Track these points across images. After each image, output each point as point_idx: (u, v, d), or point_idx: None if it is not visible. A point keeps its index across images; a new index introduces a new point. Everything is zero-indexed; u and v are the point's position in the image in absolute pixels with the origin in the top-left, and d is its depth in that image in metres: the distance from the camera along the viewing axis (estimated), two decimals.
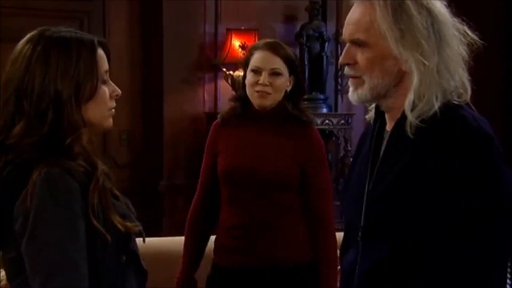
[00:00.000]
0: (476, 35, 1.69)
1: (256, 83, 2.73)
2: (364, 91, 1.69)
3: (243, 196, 2.74)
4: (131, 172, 5.58)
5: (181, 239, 3.66)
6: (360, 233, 1.70)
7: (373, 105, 1.80)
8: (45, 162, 1.61)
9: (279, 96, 2.76)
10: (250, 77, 2.75)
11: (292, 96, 2.79)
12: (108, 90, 1.75)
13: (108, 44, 5.55)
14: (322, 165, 2.80)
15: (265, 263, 2.72)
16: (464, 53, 1.68)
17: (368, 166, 1.73)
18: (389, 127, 1.73)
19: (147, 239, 3.93)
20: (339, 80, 5.83)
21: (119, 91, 1.78)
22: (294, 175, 2.73)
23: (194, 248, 2.88)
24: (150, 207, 5.47)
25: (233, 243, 2.76)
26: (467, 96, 1.68)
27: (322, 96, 5.55)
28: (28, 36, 1.71)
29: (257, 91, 2.73)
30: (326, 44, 5.61)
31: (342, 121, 5.54)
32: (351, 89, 1.72)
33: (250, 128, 2.78)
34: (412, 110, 1.63)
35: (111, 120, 1.77)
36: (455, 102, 1.65)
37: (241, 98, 2.83)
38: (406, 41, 1.63)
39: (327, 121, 5.38)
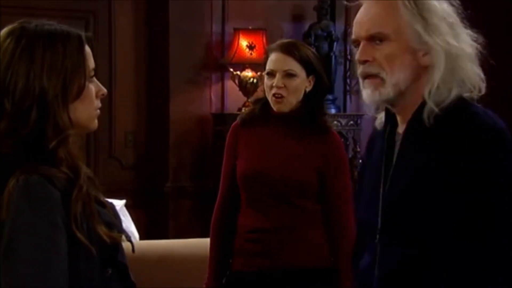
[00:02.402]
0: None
1: (271, 86, 2.74)
2: (386, 89, 1.68)
3: (261, 199, 2.74)
4: (136, 174, 5.60)
5: (187, 241, 3.68)
6: (377, 236, 1.71)
7: (382, 112, 1.80)
8: (22, 168, 1.49)
9: (296, 98, 2.75)
10: (266, 80, 2.77)
11: (312, 97, 2.79)
12: (94, 89, 1.65)
13: (114, 44, 5.49)
14: (342, 171, 2.79)
15: (283, 267, 2.71)
16: (474, 50, 1.70)
17: (381, 169, 1.73)
18: (401, 129, 1.74)
19: (151, 241, 3.94)
20: (348, 80, 5.83)
21: (105, 90, 1.68)
22: (312, 180, 2.73)
23: (221, 255, 2.85)
24: (155, 209, 5.49)
25: (251, 247, 2.75)
26: (479, 91, 1.69)
27: (330, 97, 5.55)
28: (7, 29, 1.59)
29: (273, 94, 2.74)
30: (335, 44, 5.61)
31: (351, 122, 5.55)
32: (369, 90, 1.70)
33: (269, 131, 2.79)
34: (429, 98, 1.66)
35: (96, 121, 1.67)
36: (467, 97, 1.67)
37: (261, 100, 2.84)
38: (431, 28, 1.66)
39: (335, 122, 5.38)
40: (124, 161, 5.58)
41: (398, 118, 1.75)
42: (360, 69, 1.72)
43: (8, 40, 1.57)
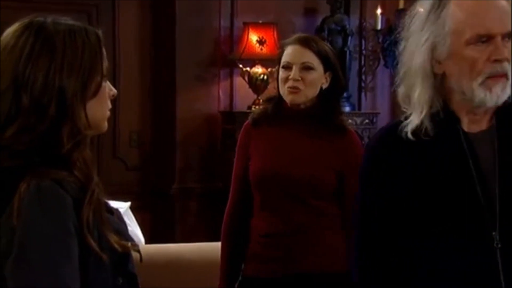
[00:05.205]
0: None
1: (287, 78, 2.74)
2: (508, 89, 1.71)
3: (276, 201, 2.74)
4: (141, 175, 5.61)
5: (195, 245, 3.68)
6: (497, 239, 1.71)
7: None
8: (34, 172, 1.50)
9: (312, 92, 2.76)
10: (281, 73, 2.77)
11: (329, 95, 2.79)
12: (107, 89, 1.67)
13: (118, 39, 5.47)
14: None
15: (300, 272, 2.71)
16: None
17: (469, 171, 1.73)
18: (468, 128, 1.76)
19: (158, 245, 3.93)
20: (363, 77, 5.82)
21: (115, 90, 1.69)
22: (329, 181, 2.73)
23: (233, 260, 2.85)
24: (161, 211, 5.50)
25: (265, 251, 2.75)
26: None
27: (345, 94, 5.53)
28: (21, 24, 1.60)
29: (289, 87, 2.74)
30: (349, 38, 5.60)
31: (366, 121, 5.52)
32: (498, 89, 1.71)
33: (283, 130, 2.79)
34: None
35: (106, 123, 1.67)
36: None
37: (274, 98, 2.84)
38: None
39: (350, 121, 5.33)
40: (128, 161, 5.59)
41: (467, 118, 1.77)
42: (494, 68, 1.71)
43: (26, 34, 1.57)
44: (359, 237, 1.89)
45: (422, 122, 1.78)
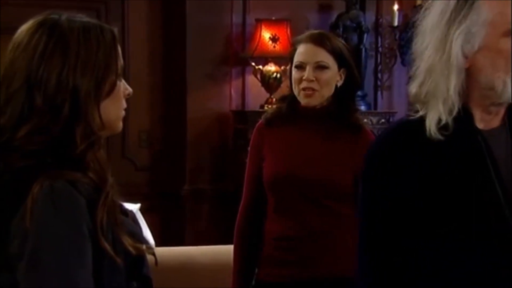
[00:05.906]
0: None
1: (301, 79, 2.72)
2: None
3: (290, 203, 2.72)
4: (151, 176, 5.61)
5: (206, 248, 3.68)
6: None
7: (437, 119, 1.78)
8: (47, 173, 1.50)
9: (328, 92, 2.74)
10: (294, 73, 2.75)
11: (343, 92, 2.77)
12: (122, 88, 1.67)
13: (127, 37, 5.46)
14: None
15: (317, 277, 2.69)
16: None
17: (487, 169, 1.73)
18: (479, 125, 1.76)
19: (170, 248, 3.93)
20: (379, 75, 5.79)
21: (131, 89, 1.69)
22: (345, 181, 2.70)
23: (246, 264, 2.84)
24: (171, 213, 5.49)
25: (281, 256, 2.73)
26: None
27: (360, 93, 5.51)
28: (35, 20, 1.60)
29: (303, 89, 2.72)
30: (365, 35, 5.58)
31: (383, 120, 5.50)
32: None
33: (297, 130, 2.77)
34: None
35: (121, 123, 1.69)
36: None
37: (287, 97, 2.82)
38: None
39: (365, 120, 5.32)
40: (138, 162, 5.59)
41: (479, 115, 1.76)
42: None
43: (39, 32, 1.57)
44: (364, 239, 1.87)
45: (442, 119, 1.76)
